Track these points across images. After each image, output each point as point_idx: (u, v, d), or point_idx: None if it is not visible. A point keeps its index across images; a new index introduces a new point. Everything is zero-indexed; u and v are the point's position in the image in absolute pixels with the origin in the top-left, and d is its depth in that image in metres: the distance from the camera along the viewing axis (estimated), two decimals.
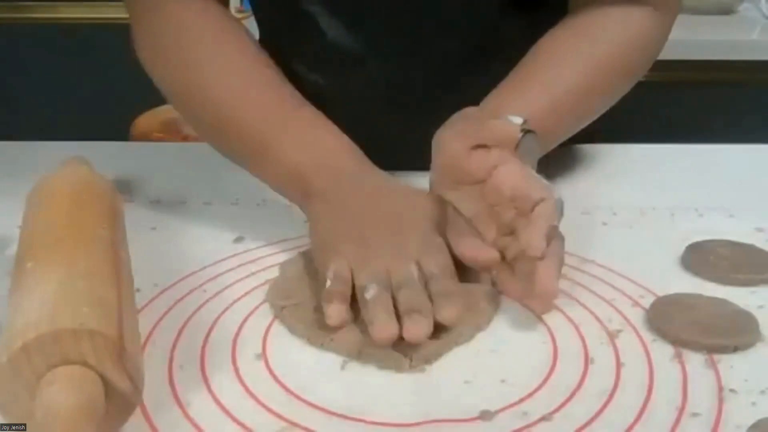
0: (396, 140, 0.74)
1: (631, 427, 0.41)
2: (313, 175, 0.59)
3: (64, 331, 0.37)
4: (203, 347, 0.48)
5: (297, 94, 0.66)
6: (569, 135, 0.68)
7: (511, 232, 0.53)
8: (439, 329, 0.48)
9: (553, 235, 0.51)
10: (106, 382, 0.38)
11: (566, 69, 0.65)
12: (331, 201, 0.57)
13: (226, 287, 0.55)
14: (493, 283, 0.54)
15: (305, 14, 0.70)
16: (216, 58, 0.65)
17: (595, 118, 0.69)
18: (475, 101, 0.73)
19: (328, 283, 0.50)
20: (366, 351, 0.47)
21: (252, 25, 0.82)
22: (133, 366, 0.39)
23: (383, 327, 0.46)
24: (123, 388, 0.39)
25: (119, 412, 0.40)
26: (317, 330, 0.49)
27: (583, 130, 0.69)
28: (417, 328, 0.46)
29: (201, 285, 0.55)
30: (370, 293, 0.49)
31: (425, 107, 0.73)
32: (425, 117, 0.73)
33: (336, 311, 0.49)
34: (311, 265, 0.56)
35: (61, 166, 0.60)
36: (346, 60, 0.71)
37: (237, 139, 0.64)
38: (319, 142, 0.62)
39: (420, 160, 0.74)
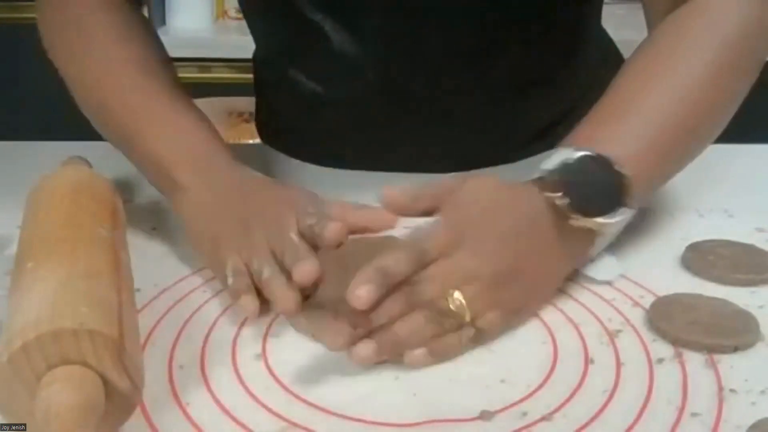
0: (395, 144, 0.74)
1: (631, 427, 0.41)
2: (179, 170, 0.59)
3: (64, 331, 0.37)
4: (203, 347, 0.48)
5: (176, 90, 0.66)
6: (674, 173, 0.60)
7: None
8: None
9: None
10: (106, 382, 0.38)
11: (665, 93, 0.57)
12: (203, 196, 0.58)
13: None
14: None
15: (309, 22, 0.70)
16: (103, 51, 0.66)
17: (705, 146, 0.61)
18: (476, 107, 0.73)
19: (230, 280, 0.52)
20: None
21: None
22: (133, 366, 0.39)
23: (284, 298, 0.48)
24: (123, 388, 0.39)
25: (119, 411, 0.40)
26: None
27: None
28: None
29: (201, 285, 0.55)
30: (265, 274, 0.51)
31: (425, 112, 0.72)
32: (425, 121, 0.73)
33: (247, 301, 0.50)
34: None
35: (61, 166, 0.60)
36: (347, 66, 0.71)
37: (113, 129, 0.65)
38: (183, 136, 0.62)
39: (419, 164, 0.74)
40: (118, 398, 0.39)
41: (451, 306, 0.47)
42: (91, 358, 0.38)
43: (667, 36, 0.60)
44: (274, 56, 0.78)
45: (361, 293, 0.44)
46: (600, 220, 0.51)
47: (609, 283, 0.56)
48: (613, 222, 0.52)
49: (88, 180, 0.56)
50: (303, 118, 0.77)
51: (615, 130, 0.56)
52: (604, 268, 0.56)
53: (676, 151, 0.58)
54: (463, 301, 0.47)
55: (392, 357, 0.46)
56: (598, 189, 0.52)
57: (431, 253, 0.48)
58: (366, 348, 0.45)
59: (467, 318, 0.47)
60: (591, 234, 0.52)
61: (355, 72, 0.71)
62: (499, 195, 0.52)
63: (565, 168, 0.52)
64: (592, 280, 0.56)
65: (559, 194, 0.51)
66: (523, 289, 0.50)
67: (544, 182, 0.52)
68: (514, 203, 0.52)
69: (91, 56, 0.67)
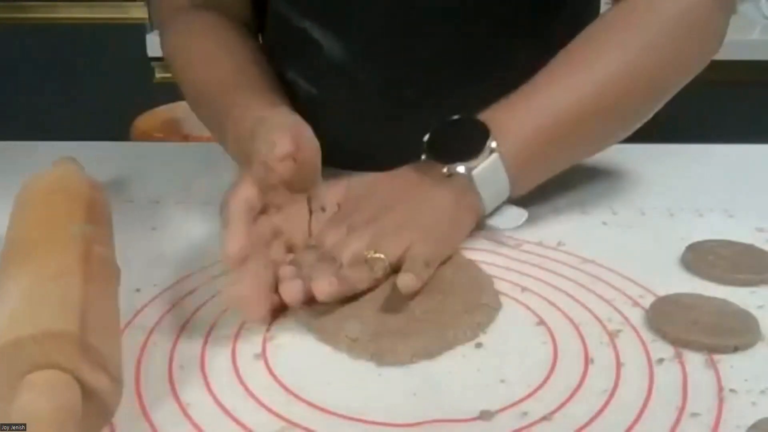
0: (388, 149, 0.74)
1: (631, 427, 0.41)
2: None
3: (25, 339, 0.37)
4: (203, 347, 0.48)
5: (265, 81, 0.70)
6: (571, 159, 0.66)
7: None
8: (438, 326, 0.49)
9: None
10: (81, 382, 0.37)
11: (575, 83, 0.62)
12: None
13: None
14: None
15: (298, 29, 0.71)
16: (208, 46, 0.72)
17: (617, 136, 0.67)
18: (470, 110, 0.73)
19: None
20: (368, 348, 0.47)
21: None
22: (104, 359, 0.38)
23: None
24: (98, 383, 0.38)
25: (101, 406, 0.39)
26: (327, 325, 0.49)
27: None
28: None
29: (201, 285, 0.55)
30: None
31: (422, 116, 0.73)
32: (416, 126, 0.73)
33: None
34: None
35: (51, 167, 0.60)
36: (339, 70, 0.72)
37: (207, 111, 0.70)
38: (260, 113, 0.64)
39: None
40: (96, 393, 0.38)
41: (370, 255, 0.53)
42: (62, 361, 0.37)
43: (598, 28, 0.65)
44: (275, 60, 0.79)
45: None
46: (463, 165, 0.59)
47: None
48: (477, 166, 0.59)
49: (64, 177, 0.56)
50: (302, 117, 0.77)
51: (499, 105, 0.62)
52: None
53: (560, 119, 0.61)
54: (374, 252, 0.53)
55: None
56: (459, 139, 0.60)
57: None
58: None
59: (384, 258, 0.53)
60: (468, 183, 0.59)
61: (347, 75, 0.72)
62: (377, 176, 0.63)
63: (433, 130, 0.62)
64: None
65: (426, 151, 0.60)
66: (407, 211, 0.57)
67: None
68: (389, 175, 0.62)
69: (189, 54, 0.73)
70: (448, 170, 0.59)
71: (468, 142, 0.60)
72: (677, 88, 0.66)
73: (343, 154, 0.76)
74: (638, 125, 0.66)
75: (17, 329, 0.37)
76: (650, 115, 0.66)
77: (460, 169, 0.59)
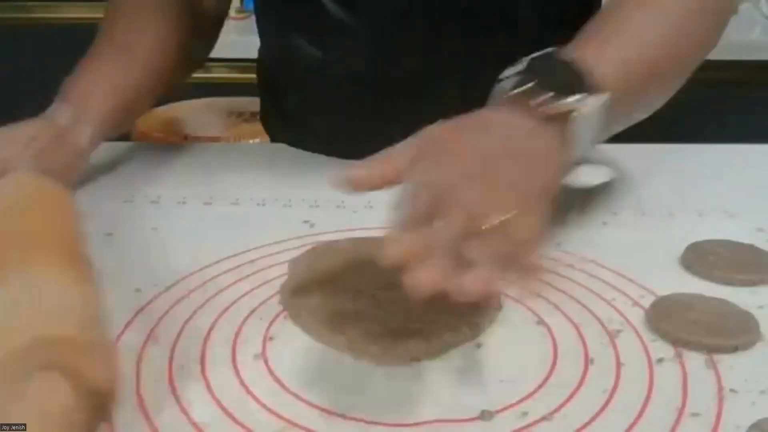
0: (395, 124, 0.74)
1: (631, 427, 0.41)
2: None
3: (24, 344, 0.36)
4: (203, 347, 0.48)
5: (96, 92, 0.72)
6: (645, 109, 0.63)
7: None
8: (438, 326, 0.49)
9: None
10: (80, 384, 0.37)
11: (644, 31, 0.59)
12: None
13: (227, 287, 0.55)
14: None
15: None
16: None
17: (663, 100, 0.64)
18: (471, 85, 0.73)
19: None
20: (368, 348, 0.47)
21: (251, 26, 0.82)
22: (105, 361, 0.38)
23: None
24: (98, 386, 0.38)
25: (99, 409, 0.39)
26: (327, 326, 0.49)
27: None
28: None
29: (201, 285, 0.55)
30: None
31: (421, 87, 0.72)
32: (421, 98, 0.73)
33: None
34: (318, 263, 0.57)
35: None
36: (342, 32, 0.72)
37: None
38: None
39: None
40: (95, 393, 0.38)
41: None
42: (59, 362, 0.37)
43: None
44: (278, 25, 0.79)
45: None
46: (569, 100, 0.51)
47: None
48: (581, 104, 0.51)
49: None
50: (306, 91, 0.77)
51: (582, 40, 0.57)
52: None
53: (645, 60, 0.59)
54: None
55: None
56: (557, 75, 0.52)
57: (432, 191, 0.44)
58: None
59: (498, 218, 0.42)
60: (565, 123, 0.51)
61: (350, 37, 0.72)
62: (459, 121, 0.50)
63: (526, 65, 0.54)
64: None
65: (524, 83, 0.52)
66: (518, 168, 0.48)
67: (505, 85, 0.53)
68: (475, 119, 0.51)
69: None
70: (547, 108, 0.51)
71: (565, 78, 0.52)
72: (701, 59, 0.65)
73: (344, 120, 0.76)
74: (675, 90, 0.65)
75: (12, 336, 0.37)
76: (679, 86, 0.64)
77: (563, 107, 0.51)
